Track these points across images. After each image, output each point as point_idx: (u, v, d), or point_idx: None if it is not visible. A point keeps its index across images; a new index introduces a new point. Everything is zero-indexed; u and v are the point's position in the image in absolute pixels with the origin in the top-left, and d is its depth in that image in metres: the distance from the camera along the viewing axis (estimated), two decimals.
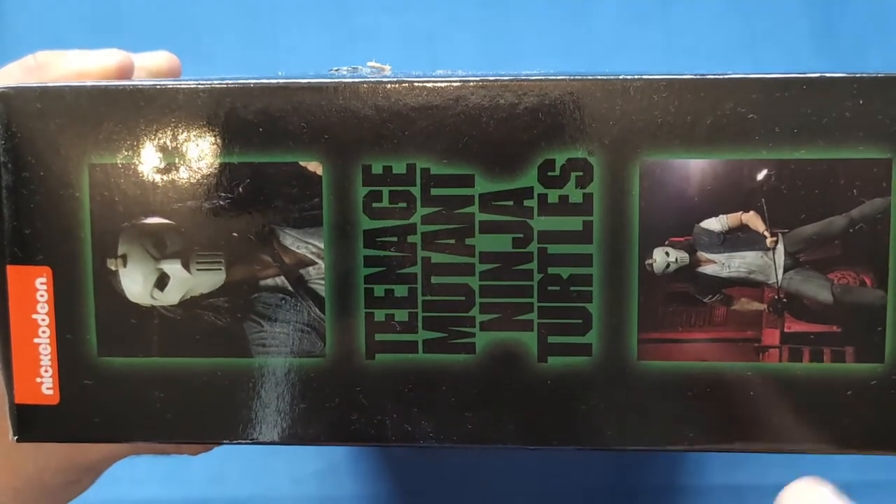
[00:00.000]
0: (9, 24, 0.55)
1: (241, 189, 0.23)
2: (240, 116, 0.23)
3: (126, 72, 0.29)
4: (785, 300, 0.23)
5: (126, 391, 0.24)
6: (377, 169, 0.23)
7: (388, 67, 0.25)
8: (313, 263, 0.24)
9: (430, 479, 0.49)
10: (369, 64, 0.25)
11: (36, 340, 0.24)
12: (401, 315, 0.24)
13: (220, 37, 0.57)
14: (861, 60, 0.60)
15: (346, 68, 0.25)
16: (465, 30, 0.59)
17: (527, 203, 0.23)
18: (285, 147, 0.23)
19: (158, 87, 0.23)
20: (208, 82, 0.23)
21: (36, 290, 0.24)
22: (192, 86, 0.23)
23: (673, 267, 0.23)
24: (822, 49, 0.59)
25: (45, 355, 0.24)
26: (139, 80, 0.23)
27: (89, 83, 0.24)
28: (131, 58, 0.29)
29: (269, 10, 0.58)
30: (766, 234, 0.23)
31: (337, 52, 0.60)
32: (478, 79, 0.23)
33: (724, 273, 0.23)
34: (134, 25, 0.56)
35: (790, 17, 0.57)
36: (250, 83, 0.23)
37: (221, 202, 0.23)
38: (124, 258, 0.24)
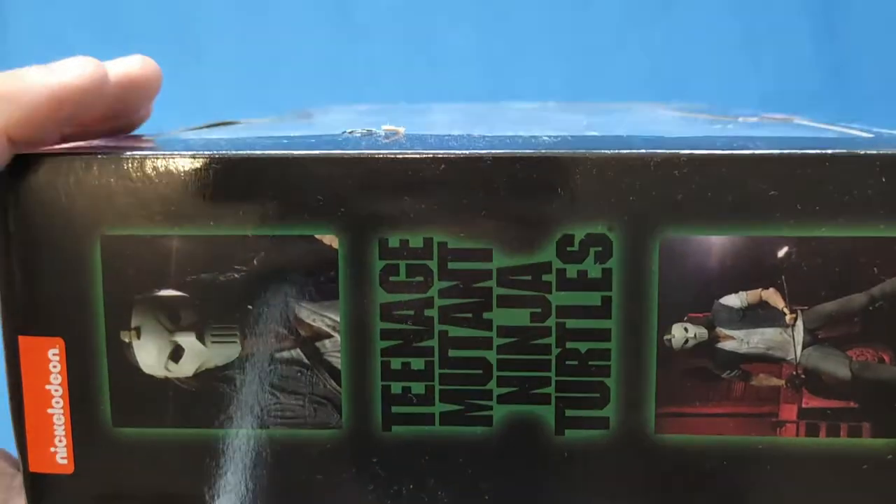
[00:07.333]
0: (9, 25, 0.54)
1: (255, 261, 0.23)
2: (254, 188, 0.23)
3: (100, 84, 0.25)
4: (803, 376, 0.23)
5: (141, 461, 0.24)
6: (394, 242, 0.23)
7: (402, 130, 0.25)
8: (329, 336, 0.23)
9: None
10: (384, 127, 0.25)
11: (49, 411, 0.24)
12: (417, 388, 0.24)
13: (220, 37, 0.56)
14: (861, 60, 0.60)
15: (360, 131, 0.25)
16: (465, 29, 0.58)
17: (545, 278, 0.23)
18: (301, 220, 0.23)
19: (171, 157, 0.23)
20: (223, 152, 0.23)
21: (49, 360, 0.24)
22: (206, 155, 0.23)
23: (692, 343, 0.23)
24: (822, 49, 0.58)
25: (59, 425, 0.24)
26: (151, 150, 0.23)
27: (99, 154, 0.23)
28: (104, 67, 0.26)
29: (268, 10, 0.57)
30: (786, 311, 0.23)
31: (337, 52, 0.59)
32: (494, 151, 0.23)
33: (743, 349, 0.23)
34: (134, 25, 0.55)
35: (790, 16, 0.56)
36: (266, 154, 0.23)
37: (236, 275, 0.23)
38: (138, 330, 0.23)
